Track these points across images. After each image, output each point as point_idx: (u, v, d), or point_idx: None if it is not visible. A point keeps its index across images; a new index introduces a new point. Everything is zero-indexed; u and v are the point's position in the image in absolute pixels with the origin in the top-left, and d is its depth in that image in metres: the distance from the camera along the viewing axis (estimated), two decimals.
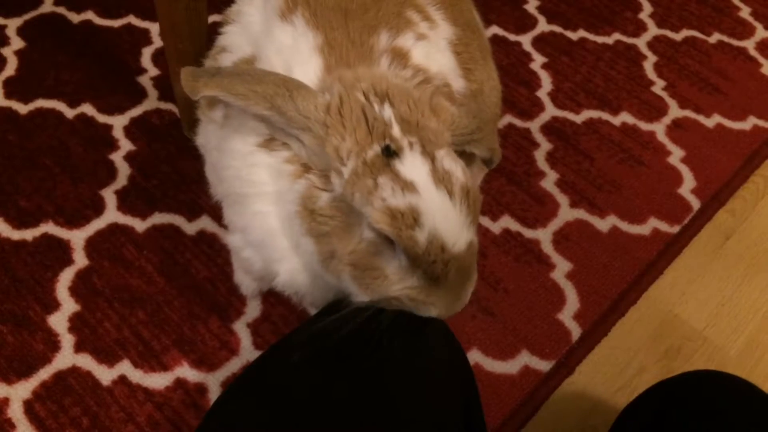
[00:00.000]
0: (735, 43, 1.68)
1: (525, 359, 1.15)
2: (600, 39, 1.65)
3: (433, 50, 0.87)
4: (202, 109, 0.94)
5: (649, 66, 1.61)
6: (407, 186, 0.69)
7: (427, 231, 0.69)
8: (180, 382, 1.08)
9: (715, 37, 1.69)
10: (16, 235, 1.20)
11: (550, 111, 1.49)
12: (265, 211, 0.82)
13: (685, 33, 1.69)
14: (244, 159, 0.81)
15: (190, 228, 1.24)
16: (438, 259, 0.70)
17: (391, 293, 0.73)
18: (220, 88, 0.73)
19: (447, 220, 0.70)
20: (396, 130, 0.72)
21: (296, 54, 0.81)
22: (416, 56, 0.84)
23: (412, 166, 0.70)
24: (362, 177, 0.71)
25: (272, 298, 1.18)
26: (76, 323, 1.12)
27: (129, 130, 1.36)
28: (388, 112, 0.73)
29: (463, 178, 0.71)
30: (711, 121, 1.51)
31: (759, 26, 1.72)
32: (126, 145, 1.34)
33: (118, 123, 1.37)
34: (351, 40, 0.82)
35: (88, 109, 1.38)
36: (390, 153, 0.71)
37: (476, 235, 0.74)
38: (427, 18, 0.90)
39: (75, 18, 1.53)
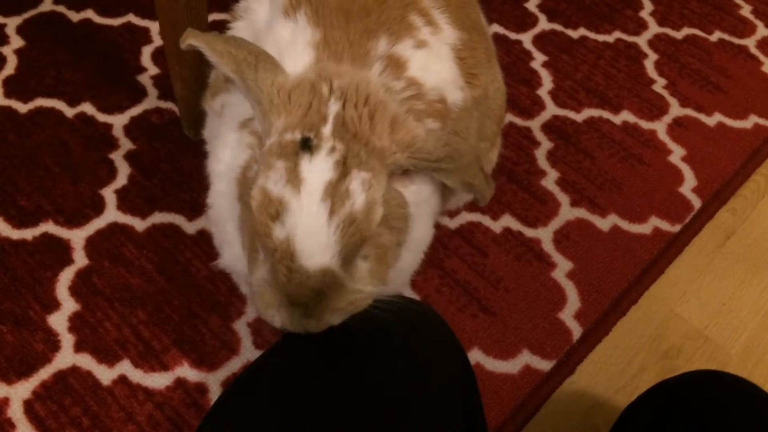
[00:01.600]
0: (736, 41, 1.67)
1: (526, 359, 1.15)
2: (600, 37, 1.65)
3: (432, 60, 0.85)
4: (206, 100, 0.95)
5: (649, 64, 1.60)
6: (294, 181, 0.68)
7: (285, 231, 0.68)
8: (180, 382, 1.08)
9: (716, 36, 1.68)
10: (16, 234, 1.20)
11: (551, 110, 1.49)
12: (226, 192, 0.83)
13: (686, 31, 1.68)
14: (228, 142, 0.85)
15: (190, 227, 1.24)
16: (284, 265, 0.68)
17: (252, 281, 0.72)
18: (204, 42, 0.76)
19: (309, 233, 0.67)
20: (327, 129, 0.71)
21: (291, 47, 0.81)
22: (413, 67, 0.82)
23: (316, 168, 0.69)
24: (269, 154, 0.71)
25: None
26: (76, 323, 1.12)
27: (129, 129, 1.36)
28: (333, 109, 0.72)
29: (357, 208, 0.68)
30: (712, 120, 1.51)
31: (760, 24, 1.72)
32: (126, 144, 1.33)
33: (118, 122, 1.37)
34: (349, 40, 0.81)
35: (88, 108, 1.38)
36: (306, 146, 0.69)
37: (346, 274, 0.70)
38: (431, 22, 0.88)
39: (75, 17, 1.53)
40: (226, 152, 0.86)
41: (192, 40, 0.76)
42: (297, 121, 0.72)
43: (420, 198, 0.81)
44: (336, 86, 0.74)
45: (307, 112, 0.72)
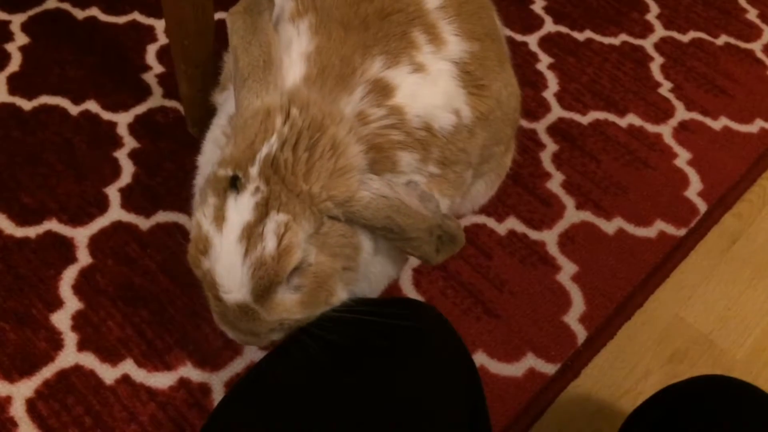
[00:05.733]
0: (742, 45, 1.67)
1: (530, 362, 1.14)
2: (606, 40, 1.64)
3: (424, 85, 0.83)
4: (215, 95, 0.96)
5: (655, 67, 1.60)
6: (219, 219, 0.71)
7: (209, 265, 0.73)
8: (183, 382, 1.07)
9: (722, 39, 1.68)
10: (20, 232, 1.20)
11: (557, 112, 1.49)
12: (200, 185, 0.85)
13: (692, 35, 1.68)
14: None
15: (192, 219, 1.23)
16: (212, 293, 0.75)
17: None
18: (230, 28, 0.79)
19: (227, 271, 0.72)
20: (255, 170, 0.71)
21: (286, 55, 0.81)
22: (400, 94, 0.81)
23: (239, 207, 0.71)
24: (207, 185, 0.75)
25: None
26: (79, 321, 1.11)
27: (133, 128, 1.35)
28: (268, 149, 0.72)
29: (267, 252, 0.70)
30: (718, 124, 1.51)
31: (766, 29, 1.72)
32: (130, 143, 1.33)
33: (122, 120, 1.36)
34: (340, 56, 0.80)
35: (92, 106, 1.38)
36: (233, 185, 0.72)
37: (263, 308, 0.73)
38: (435, 38, 0.85)
39: (79, 14, 1.53)
40: (208, 146, 0.89)
41: (229, 17, 0.80)
42: (235, 155, 0.73)
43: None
44: (291, 120, 0.73)
45: (247, 147, 0.73)
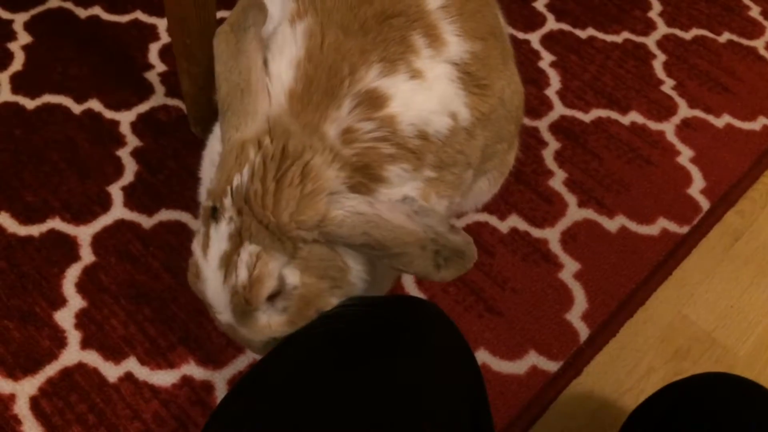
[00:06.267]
0: (745, 42, 1.67)
1: (532, 359, 1.14)
2: (609, 37, 1.64)
3: (420, 92, 0.82)
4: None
5: (658, 65, 1.60)
6: (205, 247, 0.76)
7: (201, 287, 0.78)
8: (186, 380, 1.07)
9: (725, 37, 1.67)
10: (23, 230, 1.20)
11: (559, 110, 1.49)
12: (204, 178, 0.91)
13: (695, 32, 1.68)
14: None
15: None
16: (211, 312, 0.80)
17: None
18: (216, 52, 0.80)
19: (213, 295, 0.77)
20: (228, 201, 0.74)
21: (278, 59, 0.81)
22: (394, 104, 0.80)
23: (218, 236, 0.75)
24: (201, 215, 0.80)
25: None
26: (82, 319, 1.12)
27: (136, 126, 1.36)
28: (238, 181, 0.74)
29: (240, 281, 0.74)
30: (721, 121, 1.50)
31: None
32: (133, 141, 1.33)
33: (125, 119, 1.36)
34: (330, 64, 0.79)
35: (94, 104, 1.38)
36: (213, 215, 0.76)
37: (246, 328, 0.78)
38: (435, 39, 0.84)
39: (82, 13, 1.53)
40: (206, 163, 0.91)
41: (215, 40, 0.81)
42: (215, 187, 0.76)
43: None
44: (263, 150, 0.75)
45: (224, 179, 0.76)
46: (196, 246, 0.78)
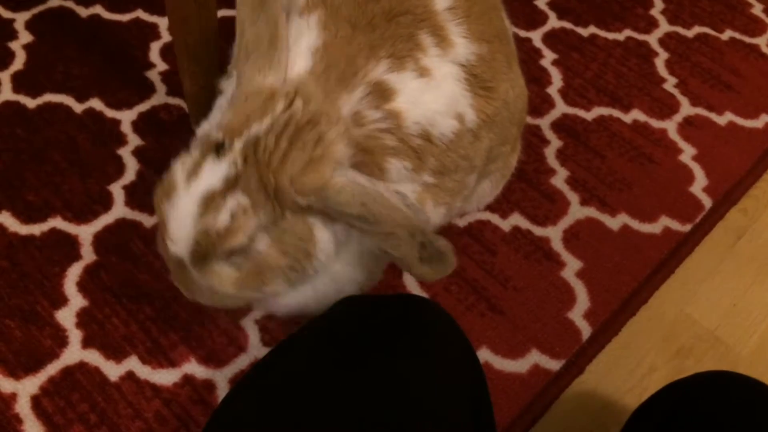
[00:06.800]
0: (747, 40, 1.66)
1: (535, 358, 1.14)
2: (611, 35, 1.64)
3: (427, 91, 0.82)
4: (221, 82, 0.96)
5: (660, 63, 1.59)
6: (192, 174, 0.74)
7: (167, 209, 0.75)
8: (188, 379, 1.07)
9: (727, 34, 1.67)
10: (24, 229, 1.20)
11: (561, 108, 1.48)
12: None
13: (697, 30, 1.67)
14: None
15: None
16: (162, 235, 0.77)
17: None
18: (250, 1, 0.78)
19: (178, 223, 0.74)
20: (238, 145, 0.73)
21: (295, 47, 0.81)
22: (401, 99, 0.80)
23: (213, 171, 0.73)
24: (198, 139, 0.78)
25: None
26: (83, 319, 1.12)
27: (137, 125, 1.36)
28: (257, 130, 0.73)
29: (217, 225, 0.73)
30: (723, 119, 1.50)
31: None
32: (134, 140, 1.33)
33: (126, 118, 1.36)
34: (346, 54, 0.80)
35: (96, 103, 1.38)
36: (218, 149, 0.73)
37: (197, 271, 0.77)
38: (442, 40, 0.85)
39: (83, 12, 1.53)
40: (216, 113, 0.89)
41: None
42: (229, 124, 0.75)
43: (340, 238, 0.81)
44: (291, 110, 0.74)
45: (242, 120, 0.74)
46: (178, 168, 0.76)
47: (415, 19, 0.84)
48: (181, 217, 0.74)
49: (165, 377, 1.07)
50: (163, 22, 1.53)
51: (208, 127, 0.82)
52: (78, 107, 1.37)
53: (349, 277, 0.89)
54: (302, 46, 0.81)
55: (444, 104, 0.83)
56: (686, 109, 1.51)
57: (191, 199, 0.74)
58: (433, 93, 0.83)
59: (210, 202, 0.73)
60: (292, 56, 0.80)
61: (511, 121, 0.96)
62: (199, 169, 0.74)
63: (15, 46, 1.45)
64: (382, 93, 0.80)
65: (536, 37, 1.61)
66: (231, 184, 0.73)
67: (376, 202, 0.74)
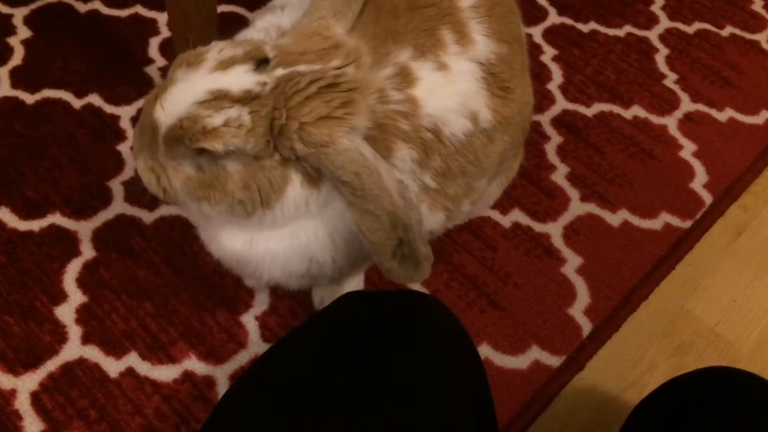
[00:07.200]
0: (747, 36, 1.66)
1: (535, 354, 1.14)
2: (611, 31, 1.63)
3: (444, 85, 0.82)
4: (255, 16, 0.96)
5: (660, 59, 1.59)
6: (224, 64, 0.72)
7: (176, 76, 0.74)
8: (188, 375, 1.07)
9: (727, 30, 1.67)
10: (23, 225, 1.20)
11: (561, 104, 1.48)
12: None
13: (697, 26, 1.67)
14: None
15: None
16: (152, 97, 0.75)
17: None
18: None
19: (177, 95, 0.72)
20: (279, 72, 0.73)
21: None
22: (420, 86, 0.80)
23: (242, 77, 0.72)
24: (249, 41, 0.78)
25: (280, 290, 1.17)
26: (83, 315, 1.11)
27: (136, 121, 1.34)
28: (304, 69, 0.73)
29: (208, 122, 0.71)
30: (723, 115, 1.50)
31: None
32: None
33: (125, 113, 1.36)
34: (375, 32, 0.80)
35: (95, 99, 1.37)
36: (260, 63, 0.73)
37: (163, 153, 0.75)
38: (463, 36, 0.84)
39: (82, 7, 1.52)
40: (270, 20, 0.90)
41: None
42: (285, 49, 0.74)
43: (312, 208, 0.80)
44: (344, 71, 0.74)
45: (297, 53, 0.74)
46: (215, 51, 0.74)
47: (439, 13, 0.84)
48: (185, 91, 0.73)
49: (165, 373, 1.07)
50: (162, 18, 1.52)
51: (261, 31, 0.83)
52: (77, 103, 1.37)
53: (320, 246, 0.86)
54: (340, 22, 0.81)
55: (458, 102, 0.83)
56: (686, 105, 1.51)
57: (206, 85, 0.72)
58: (448, 89, 0.82)
59: (219, 99, 0.71)
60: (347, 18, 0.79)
61: (522, 125, 0.96)
62: (232, 67, 0.72)
63: (14, 41, 1.45)
64: (406, 76, 0.80)
65: (536, 32, 1.61)
66: (246, 100, 0.71)
67: (370, 177, 0.73)
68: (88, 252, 1.18)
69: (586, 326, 1.18)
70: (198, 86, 0.72)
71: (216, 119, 0.71)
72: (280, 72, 0.73)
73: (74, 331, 1.10)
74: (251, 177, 0.75)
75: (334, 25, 0.77)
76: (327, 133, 0.72)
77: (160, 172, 0.78)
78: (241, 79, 0.72)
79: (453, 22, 0.84)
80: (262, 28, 0.87)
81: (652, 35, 1.64)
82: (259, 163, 0.74)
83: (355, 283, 1.15)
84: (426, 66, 0.81)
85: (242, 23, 1.04)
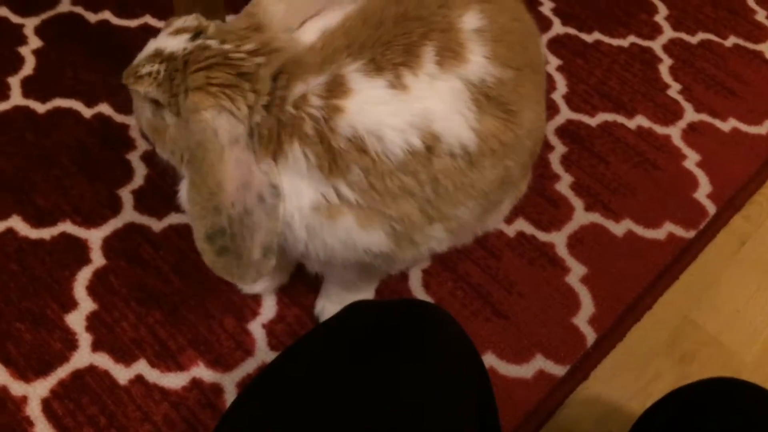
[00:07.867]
0: (751, 46, 1.67)
1: (539, 363, 1.15)
2: (615, 41, 1.64)
3: (389, 102, 0.80)
4: None
5: (664, 69, 1.60)
6: (169, 29, 0.86)
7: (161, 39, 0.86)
8: (196, 382, 1.08)
9: (731, 41, 1.68)
10: (34, 233, 1.21)
11: (565, 113, 1.49)
12: None
13: (701, 36, 1.68)
14: None
15: None
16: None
17: None
18: None
19: (144, 48, 0.86)
20: (200, 42, 0.82)
21: (314, 23, 0.87)
22: (352, 99, 0.79)
23: (175, 40, 0.83)
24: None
25: (286, 298, 1.18)
26: (93, 322, 1.13)
27: None
28: (227, 49, 0.81)
29: (141, 70, 0.83)
30: (727, 125, 1.51)
31: None
32: (143, 145, 1.34)
33: (135, 123, 1.37)
34: (337, 44, 0.83)
35: (105, 108, 1.39)
36: (198, 34, 0.83)
37: (136, 88, 0.85)
38: (454, 56, 0.82)
39: (92, 17, 1.54)
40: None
41: None
42: (225, 27, 0.84)
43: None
44: (276, 80, 0.81)
45: (239, 35, 0.82)
46: (182, 19, 0.86)
47: (428, 29, 0.82)
48: (149, 46, 0.86)
49: (173, 381, 1.08)
50: None
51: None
52: (87, 112, 1.38)
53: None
54: (320, 23, 0.86)
55: (409, 122, 0.80)
56: (690, 115, 1.52)
57: (156, 43, 0.85)
58: (394, 107, 0.80)
59: (156, 55, 0.83)
60: (309, 29, 0.85)
61: (531, 150, 0.95)
62: (180, 34, 0.83)
63: (25, 51, 1.47)
64: (337, 87, 0.79)
65: (540, 43, 1.62)
66: (169, 60, 0.82)
67: (209, 152, 0.78)
68: (98, 260, 1.19)
69: (591, 336, 1.18)
70: (153, 44, 0.85)
71: (145, 69, 0.83)
72: (198, 42, 0.82)
73: (84, 339, 1.11)
74: (179, 133, 0.84)
75: (282, 16, 0.84)
76: (197, 101, 0.78)
77: (138, 112, 0.90)
78: (177, 43, 0.83)
79: (444, 40, 0.82)
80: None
81: (656, 45, 1.65)
82: (182, 121, 0.83)
83: (363, 296, 1.15)
84: (372, 81, 0.80)
85: None
